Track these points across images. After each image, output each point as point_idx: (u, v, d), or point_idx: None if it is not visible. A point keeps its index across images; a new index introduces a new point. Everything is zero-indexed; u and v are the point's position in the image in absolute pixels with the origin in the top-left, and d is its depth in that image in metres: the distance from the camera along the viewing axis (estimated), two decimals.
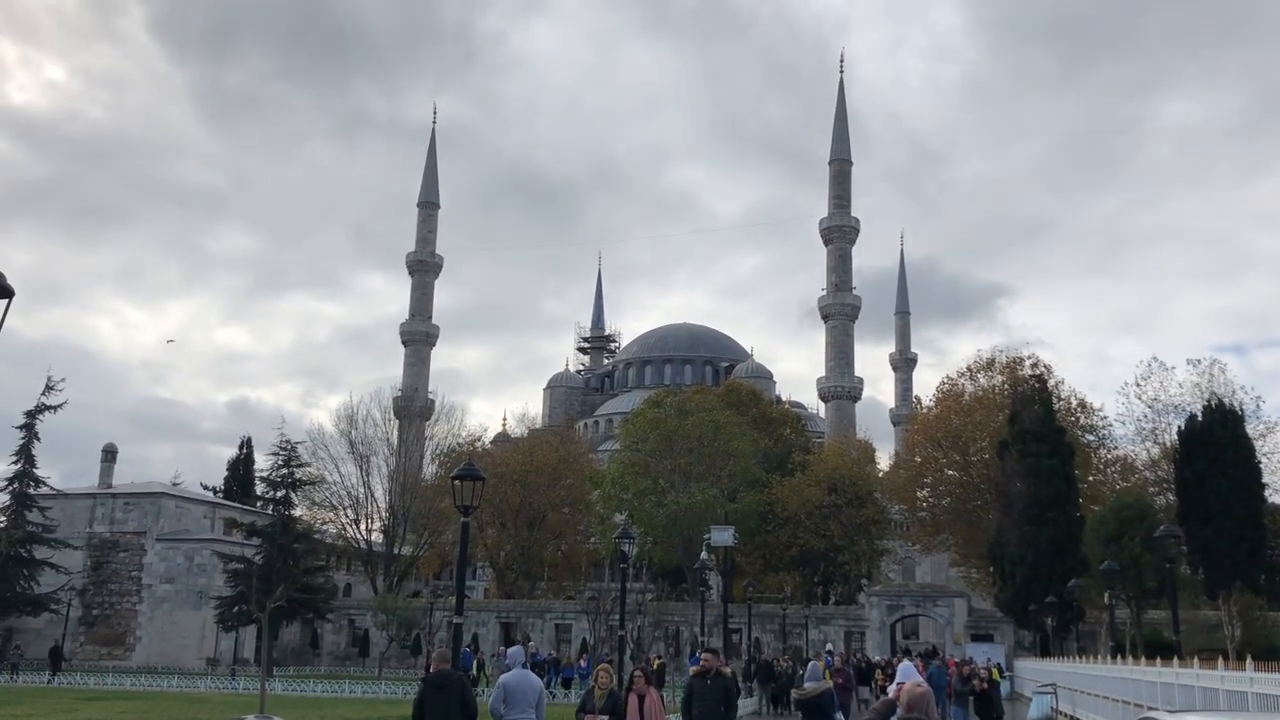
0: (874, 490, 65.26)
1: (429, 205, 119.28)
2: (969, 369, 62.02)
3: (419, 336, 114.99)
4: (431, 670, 11.72)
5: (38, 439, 60.82)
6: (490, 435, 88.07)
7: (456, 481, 15.22)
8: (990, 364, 60.89)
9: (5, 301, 6.82)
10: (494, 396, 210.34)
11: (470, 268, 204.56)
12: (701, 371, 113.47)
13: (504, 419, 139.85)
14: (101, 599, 63.37)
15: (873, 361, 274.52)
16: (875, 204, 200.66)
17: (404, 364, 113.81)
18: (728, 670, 13.25)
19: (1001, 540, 49.35)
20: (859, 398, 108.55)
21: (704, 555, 50.21)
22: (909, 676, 14.92)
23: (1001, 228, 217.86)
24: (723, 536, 42.66)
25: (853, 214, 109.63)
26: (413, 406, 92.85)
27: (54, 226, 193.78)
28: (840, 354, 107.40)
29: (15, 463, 60.18)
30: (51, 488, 62.88)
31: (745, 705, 28.45)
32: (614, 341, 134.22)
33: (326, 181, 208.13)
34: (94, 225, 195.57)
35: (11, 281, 6.88)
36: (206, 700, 34.52)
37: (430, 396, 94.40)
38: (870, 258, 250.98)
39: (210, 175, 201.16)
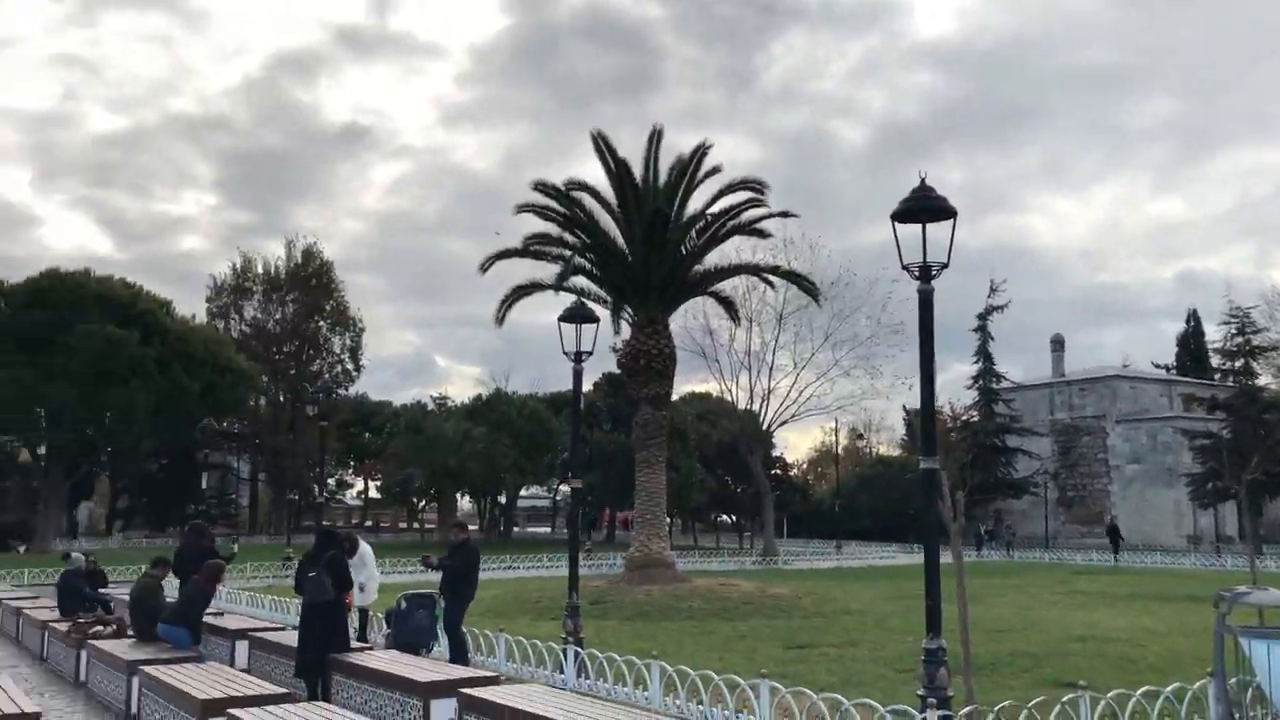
0: None
1: None
2: None
3: None
4: None
5: (991, 338, 66.28)
6: None
7: None
8: None
9: (950, 222, 7.81)
10: None
11: None
12: None
13: None
14: (1073, 481, 66.80)
15: None
16: None
17: None
18: None
19: None
20: None
21: None
22: None
23: None
24: None
25: None
26: None
27: (977, 140, 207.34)
28: None
29: (976, 362, 66.48)
30: (1011, 381, 68.17)
31: None
32: None
33: (1251, 21, 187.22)
34: (1012, 129, 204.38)
35: (951, 201, 7.85)
36: (1194, 575, 34.50)
37: None
38: None
39: (1119, 53, 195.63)
